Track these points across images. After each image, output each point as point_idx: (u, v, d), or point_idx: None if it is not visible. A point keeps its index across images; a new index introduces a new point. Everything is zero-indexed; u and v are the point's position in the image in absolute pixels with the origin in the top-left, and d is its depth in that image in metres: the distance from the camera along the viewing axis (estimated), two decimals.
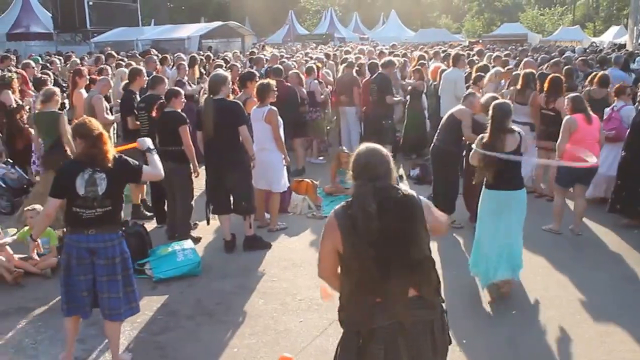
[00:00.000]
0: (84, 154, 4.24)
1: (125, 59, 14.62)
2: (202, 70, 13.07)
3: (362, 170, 2.98)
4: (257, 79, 7.79)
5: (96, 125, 4.28)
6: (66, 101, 10.95)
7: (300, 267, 6.44)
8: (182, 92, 7.15)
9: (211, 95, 6.60)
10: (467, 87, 9.88)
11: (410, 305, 2.92)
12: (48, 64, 14.10)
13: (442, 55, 14.11)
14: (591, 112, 7.05)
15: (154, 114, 6.88)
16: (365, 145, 3.07)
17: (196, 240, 7.03)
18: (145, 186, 8.22)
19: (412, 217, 2.93)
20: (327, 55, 16.31)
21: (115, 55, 14.96)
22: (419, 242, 2.96)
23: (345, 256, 2.96)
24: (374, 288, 2.92)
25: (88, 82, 9.51)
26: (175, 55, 14.56)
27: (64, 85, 12.01)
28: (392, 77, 10.34)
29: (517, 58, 14.91)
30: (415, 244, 2.94)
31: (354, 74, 11.24)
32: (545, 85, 8.35)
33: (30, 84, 10.73)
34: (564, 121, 7.05)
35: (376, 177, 2.94)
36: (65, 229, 4.52)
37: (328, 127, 11.91)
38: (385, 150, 3.05)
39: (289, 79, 10.31)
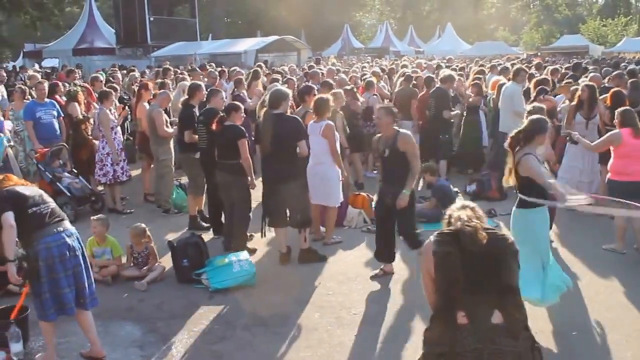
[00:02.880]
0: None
1: (185, 73, 14.96)
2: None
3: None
4: (316, 93, 7.86)
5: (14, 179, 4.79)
6: (128, 113, 11.32)
7: (355, 281, 6.43)
8: (242, 106, 7.28)
9: (271, 110, 6.69)
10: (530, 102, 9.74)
11: (494, 332, 2.92)
12: (111, 78, 14.56)
13: (499, 68, 13.91)
14: None
15: (214, 127, 7.02)
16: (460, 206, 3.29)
17: (252, 251, 7.11)
18: (202, 197, 8.39)
19: (500, 248, 3.10)
20: (383, 70, 16.31)
21: (172, 69, 15.34)
22: (509, 268, 3.07)
23: (436, 269, 3.09)
24: (458, 309, 2.96)
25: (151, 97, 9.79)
26: (232, 69, 14.82)
27: (126, 97, 12.39)
28: (455, 91, 10.27)
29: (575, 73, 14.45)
30: (505, 268, 3.06)
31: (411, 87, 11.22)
32: (608, 99, 8.14)
33: (95, 97, 11.12)
34: (609, 133, 7.09)
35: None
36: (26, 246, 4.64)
37: None
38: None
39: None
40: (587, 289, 6.03)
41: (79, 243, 4.76)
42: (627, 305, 5.75)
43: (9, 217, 4.45)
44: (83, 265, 4.72)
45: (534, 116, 5.36)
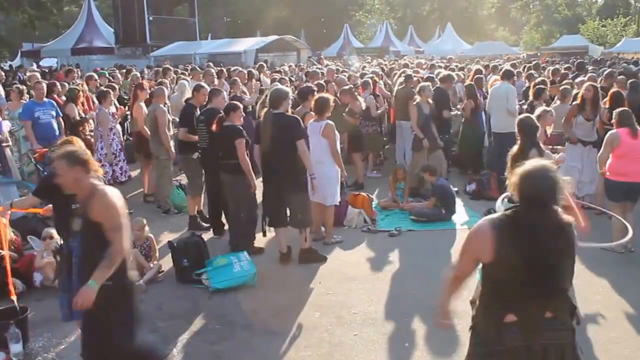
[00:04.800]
0: None
1: (185, 73, 14.96)
2: (259, 82, 13.26)
3: (532, 195, 2.92)
4: (316, 93, 7.87)
5: (79, 144, 4.62)
6: (127, 113, 11.33)
7: (355, 280, 6.43)
8: (241, 106, 7.28)
9: (271, 109, 6.69)
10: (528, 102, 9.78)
11: (545, 327, 2.93)
12: (111, 78, 14.57)
13: (499, 69, 13.94)
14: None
15: (214, 127, 7.02)
16: (535, 165, 2.97)
17: (258, 250, 7.16)
18: (201, 198, 8.39)
19: (567, 249, 2.93)
20: (383, 69, 16.33)
21: (171, 68, 15.34)
22: (566, 273, 2.97)
23: (492, 266, 2.98)
24: (511, 305, 2.95)
25: (148, 97, 9.78)
26: (233, 68, 14.82)
27: (125, 97, 12.38)
28: (452, 92, 10.27)
29: (576, 72, 14.50)
30: (562, 275, 2.96)
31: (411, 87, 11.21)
32: (607, 100, 8.18)
33: (91, 97, 11.14)
34: (607, 135, 7.02)
35: (545, 204, 2.89)
36: (62, 239, 4.66)
37: (384, 140, 11.89)
38: (554, 169, 2.97)
39: (341, 96, 10.32)
40: (586, 288, 6.03)
41: None
42: (624, 304, 5.76)
43: (31, 200, 4.76)
44: None
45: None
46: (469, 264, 3.13)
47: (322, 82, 11.16)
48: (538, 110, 7.65)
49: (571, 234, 2.94)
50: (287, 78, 13.15)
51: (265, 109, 6.84)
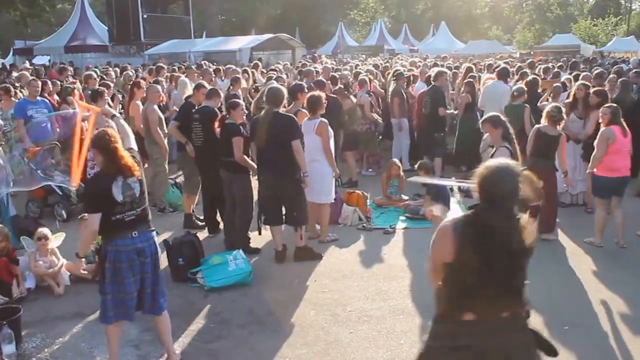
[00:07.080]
0: (112, 167, 4.34)
1: (177, 70, 14.91)
2: (254, 82, 13.25)
3: (492, 194, 2.91)
4: (307, 91, 7.85)
5: (115, 138, 4.41)
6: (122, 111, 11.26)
7: (350, 278, 6.44)
8: (242, 103, 7.27)
9: (272, 107, 6.66)
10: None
11: (504, 328, 2.93)
12: (104, 76, 14.47)
13: (494, 67, 13.98)
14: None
15: (216, 126, 7.00)
16: (496, 164, 2.96)
17: (254, 249, 7.16)
18: (195, 197, 8.36)
19: (525, 249, 2.90)
20: (376, 66, 16.33)
21: (164, 67, 15.27)
22: (524, 272, 2.95)
23: (453, 267, 2.95)
24: (470, 304, 2.94)
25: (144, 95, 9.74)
26: (227, 67, 14.77)
27: (120, 96, 12.30)
28: (444, 88, 10.29)
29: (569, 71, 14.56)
30: (520, 275, 2.94)
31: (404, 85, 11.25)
32: (593, 99, 8.27)
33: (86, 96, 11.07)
34: (600, 132, 7.02)
35: (504, 203, 2.89)
36: (101, 241, 4.50)
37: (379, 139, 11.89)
38: (516, 168, 2.95)
39: (335, 93, 10.31)
40: (576, 283, 6.09)
41: (154, 247, 4.52)
42: (614, 299, 5.81)
43: (95, 221, 4.29)
44: (151, 272, 4.50)
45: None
46: (439, 267, 3.06)
47: (322, 79, 11.13)
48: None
49: (530, 233, 2.91)
50: (284, 77, 13.12)
51: (266, 107, 6.79)
